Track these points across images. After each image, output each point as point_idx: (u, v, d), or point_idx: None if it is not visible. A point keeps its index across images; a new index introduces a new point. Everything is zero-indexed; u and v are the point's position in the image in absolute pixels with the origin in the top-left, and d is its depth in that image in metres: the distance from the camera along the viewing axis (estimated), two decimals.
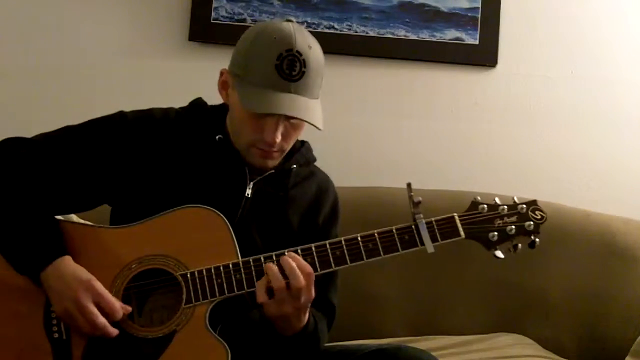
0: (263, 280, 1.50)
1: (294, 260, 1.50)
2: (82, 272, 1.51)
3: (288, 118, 1.55)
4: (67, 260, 1.53)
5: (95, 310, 1.48)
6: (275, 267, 1.49)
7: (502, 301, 2.28)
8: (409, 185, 1.58)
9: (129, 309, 1.52)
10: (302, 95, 1.53)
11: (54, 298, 1.51)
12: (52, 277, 1.50)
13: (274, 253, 1.53)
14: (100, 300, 1.49)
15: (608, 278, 2.26)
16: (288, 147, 1.61)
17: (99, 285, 1.50)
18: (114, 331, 1.49)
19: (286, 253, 1.52)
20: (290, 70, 1.51)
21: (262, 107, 1.51)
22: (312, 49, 1.55)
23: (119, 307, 1.50)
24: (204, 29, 2.54)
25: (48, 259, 1.51)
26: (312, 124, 1.53)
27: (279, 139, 1.55)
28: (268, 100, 1.50)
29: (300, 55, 1.52)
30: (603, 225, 2.32)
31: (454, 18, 2.55)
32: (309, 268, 1.50)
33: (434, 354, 1.65)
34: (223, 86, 1.62)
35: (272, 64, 1.51)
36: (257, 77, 1.52)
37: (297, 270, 1.48)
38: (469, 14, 2.55)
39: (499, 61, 2.55)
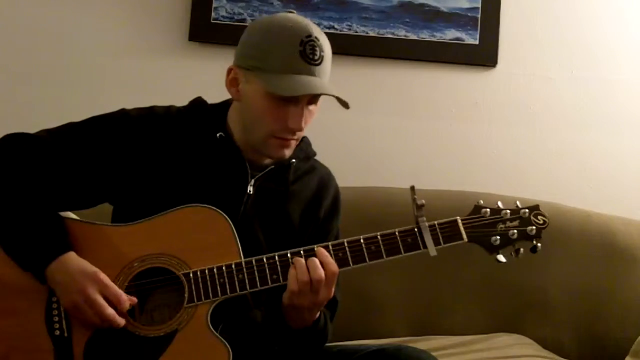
0: (293, 270, 1.51)
1: (322, 256, 1.51)
2: (87, 266, 1.52)
3: (309, 104, 1.56)
4: (72, 255, 1.53)
5: (103, 301, 1.49)
6: (302, 261, 1.51)
7: (502, 301, 2.28)
8: (412, 188, 1.57)
9: (135, 299, 1.53)
10: (323, 78, 1.55)
11: (60, 292, 1.52)
12: (57, 272, 1.51)
13: (276, 254, 1.53)
14: (106, 292, 1.50)
15: (608, 278, 2.27)
16: (303, 134, 1.62)
17: (105, 277, 1.51)
18: (122, 321, 1.50)
19: (289, 254, 1.53)
20: (312, 54, 1.53)
21: (295, 90, 1.51)
22: (322, 36, 1.58)
23: (125, 298, 1.51)
24: (204, 29, 2.54)
25: (53, 254, 1.52)
26: (344, 100, 1.55)
27: (304, 124, 1.56)
28: (299, 83, 1.51)
29: (318, 40, 1.54)
30: (603, 225, 2.32)
31: (454, 18, 2.55)
32: (334, 267, 1.51)
33: (434, 354, 1.65)
34: (232, 83, 1.61)
35: (295, 50, 1.52)
36: (280, 65, 1.52)
37: (320, 267, 1.50)
38: (469, 14, 2.55)
39: (499, 61, 2.55)
